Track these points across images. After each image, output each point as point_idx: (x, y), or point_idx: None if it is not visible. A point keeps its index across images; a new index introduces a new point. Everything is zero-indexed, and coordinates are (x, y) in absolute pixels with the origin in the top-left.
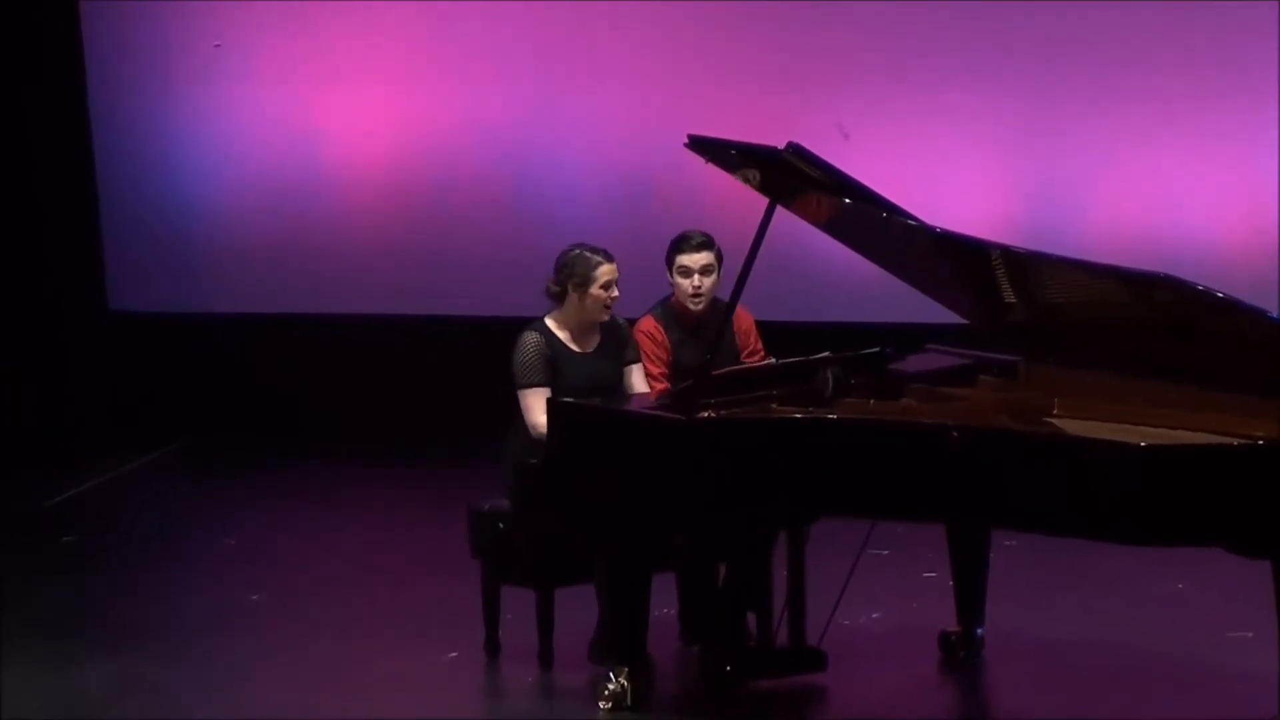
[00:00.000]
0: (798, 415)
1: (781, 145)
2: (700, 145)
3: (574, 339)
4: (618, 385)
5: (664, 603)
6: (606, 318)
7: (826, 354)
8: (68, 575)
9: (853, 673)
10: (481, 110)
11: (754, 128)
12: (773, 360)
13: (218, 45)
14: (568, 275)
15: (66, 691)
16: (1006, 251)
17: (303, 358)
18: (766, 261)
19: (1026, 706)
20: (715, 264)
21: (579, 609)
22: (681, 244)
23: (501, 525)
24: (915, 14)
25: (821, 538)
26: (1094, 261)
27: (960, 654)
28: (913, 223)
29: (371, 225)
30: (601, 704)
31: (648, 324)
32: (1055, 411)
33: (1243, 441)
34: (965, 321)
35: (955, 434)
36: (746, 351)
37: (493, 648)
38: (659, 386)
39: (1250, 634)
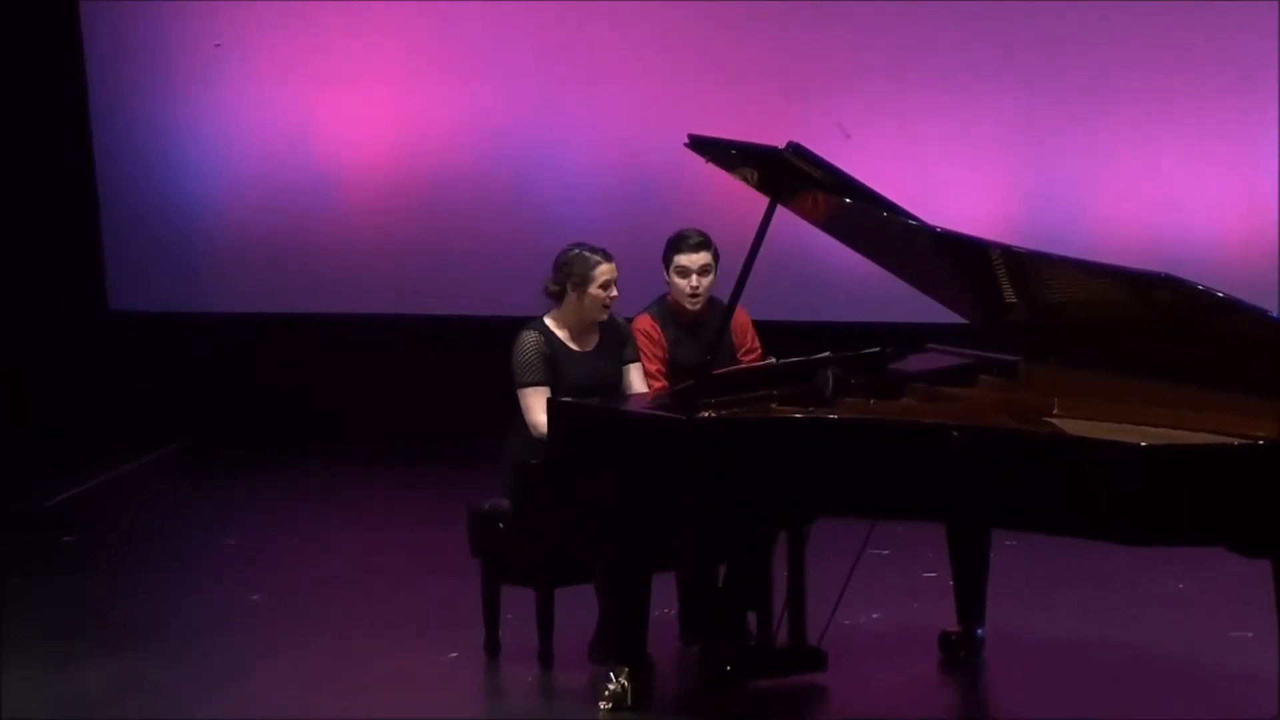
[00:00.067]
0: (798, 415)
1: (782, 145)
2: (700, 145)
3: (573, 338)
4: (617, 384)
5: (664, 603)
6: (605, 317)
7: (827, 354)
8: (68, 575)
9: (853, 673)
10: (482, 110)
11: (754, 127)
12: (773, 360)
13: (218, 45)
14: (566, 274)
15: (66, 691)
16: (1007, 251)
17: (303, 358)
18: (767, 261)
19: (1027, 706)
20: (713, 264)
21: (579, 609)
22: (679, 244)
23: (501, 525)
24: (915, 14)
25: (821, 538)
26: (1094, 261)
27: (960, 654)
28: (913, 222)
29: (372, 225)
30: (601, 704)
31: (644, 322)
32: (1055, 411)
33: (1243, 441)
34: (965, 321)
35: (955, 434)
36: (743, 350)
37: (493, 648)
38: (656, 384)
39: (1250, 634)
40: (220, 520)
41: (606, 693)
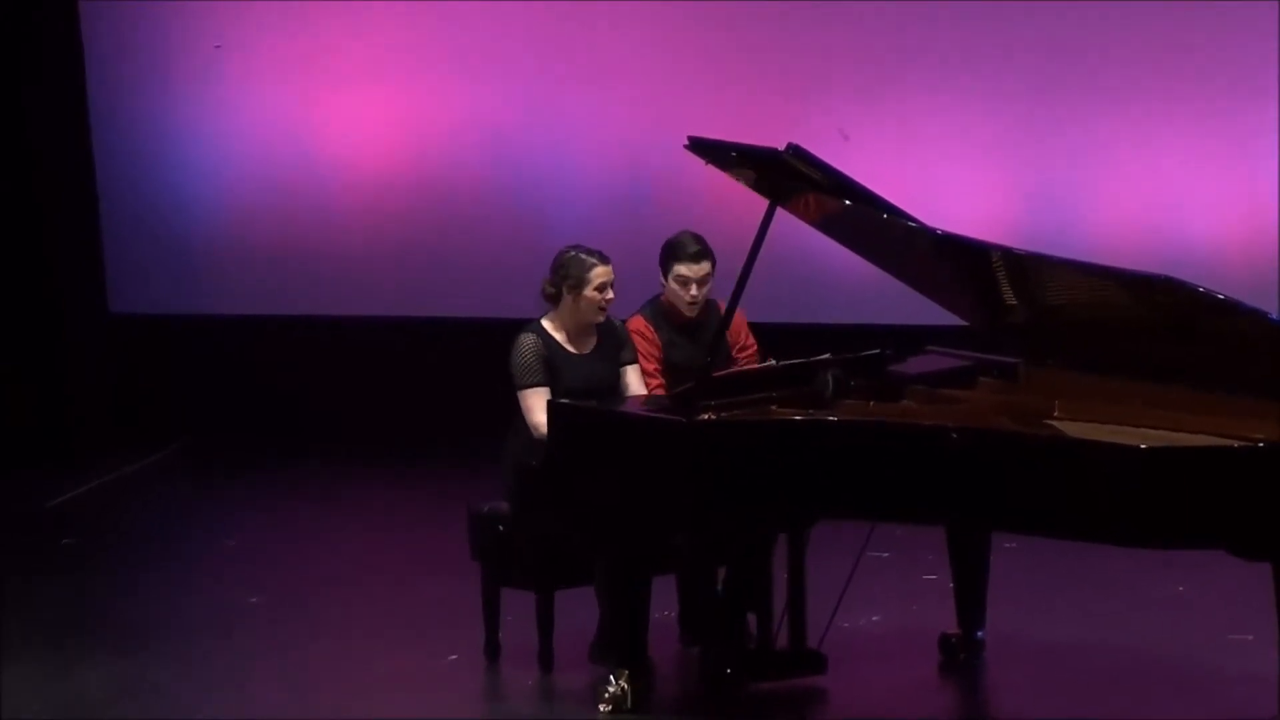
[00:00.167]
0: (798, 417)
1: (781, 147)
2: (700, 147)
3: (570, 340)
4: (615, 387)
5: (664, 605)
6: (602, 319)
7: (826, 356)
8: (68, 576)
9: (853, 675)
10: (482, 111)
11: (754, 129)
12: (772, 362)
13: (218, 46)
14: (562, 277)
15: (66, 692)
16: (1007, 253)
17: (302, 359)
18: (766, 263)
19: (1027, 709)
20: (712, 271)
21: (579, 611)
22: (679, 253)
23: (501, 527)
24: (915, 15)
25: (821, 540)
26: (1094, 263)
27: (960, 656)
28: (913, 224)
29: (371, 226)
30: (601, 706)
31: (637, 323)
32: (1056, 413)
33: (1243, 443)
34: (965, 323)
35: (955, 436)
36: (737, 348)
37: (493, 650)
38: (653, 383)
39: (1251, 637)
40: (220, 521)
41: (606, 695)
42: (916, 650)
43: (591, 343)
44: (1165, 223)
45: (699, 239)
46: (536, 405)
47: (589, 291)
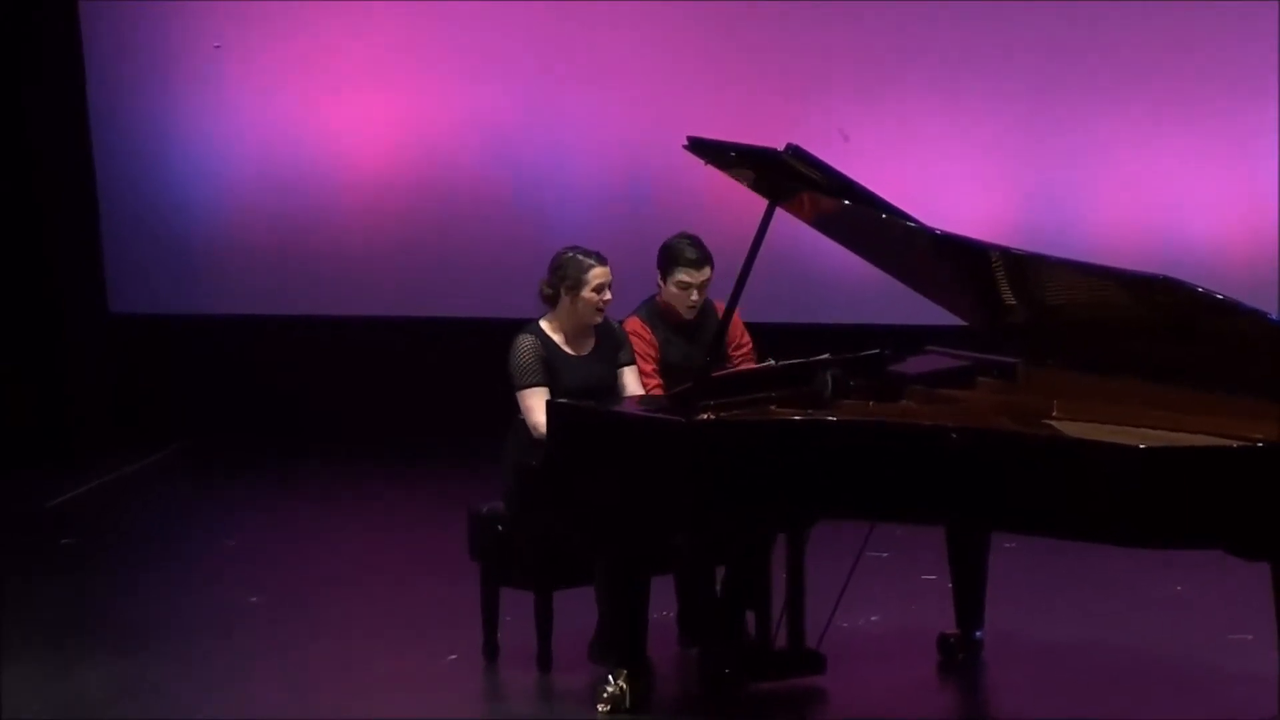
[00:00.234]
0: (797, 417)
1: (780, 147)
2: (699, 147)
3: (568, 342)
4: (613, 388)
5: (663, 605)
6: (599, 320)
7: (826, 356)
8: (68, 576)
9: (851, 675)
10: (481, 112)
11: (753, 129)
12: (771, 362)
13: (218, 46)
14: (560, 278)
15: (66, 692)
16: (1006, 253)
17: (302, 359)
18: (765, 263)
19: (1026, 709)
20: (712, 275)
21: (578, 612)
22: (679, 258)
23: (501, 528)
24: (915, 15)
25: (821, 540)
26: (1094, 263)
27: (959, 657)
28: (912, 224)
29: (371, 226)
30: (600, 706)
31: (634, 324)
32: (1055, 413)
33: (1242, 443)
34: (965, 323)
35: (954, 436)
36: (734, 346)
37: (491, 650)
38: (650, 384)
39: (1250, 636)
40: (220, 521)
41: (605, 695)
42: (915, 650)
43: (590, 344)
44: (1165, 222)
45: (697, 243)
46: (536, 406)
47: (587, 293)
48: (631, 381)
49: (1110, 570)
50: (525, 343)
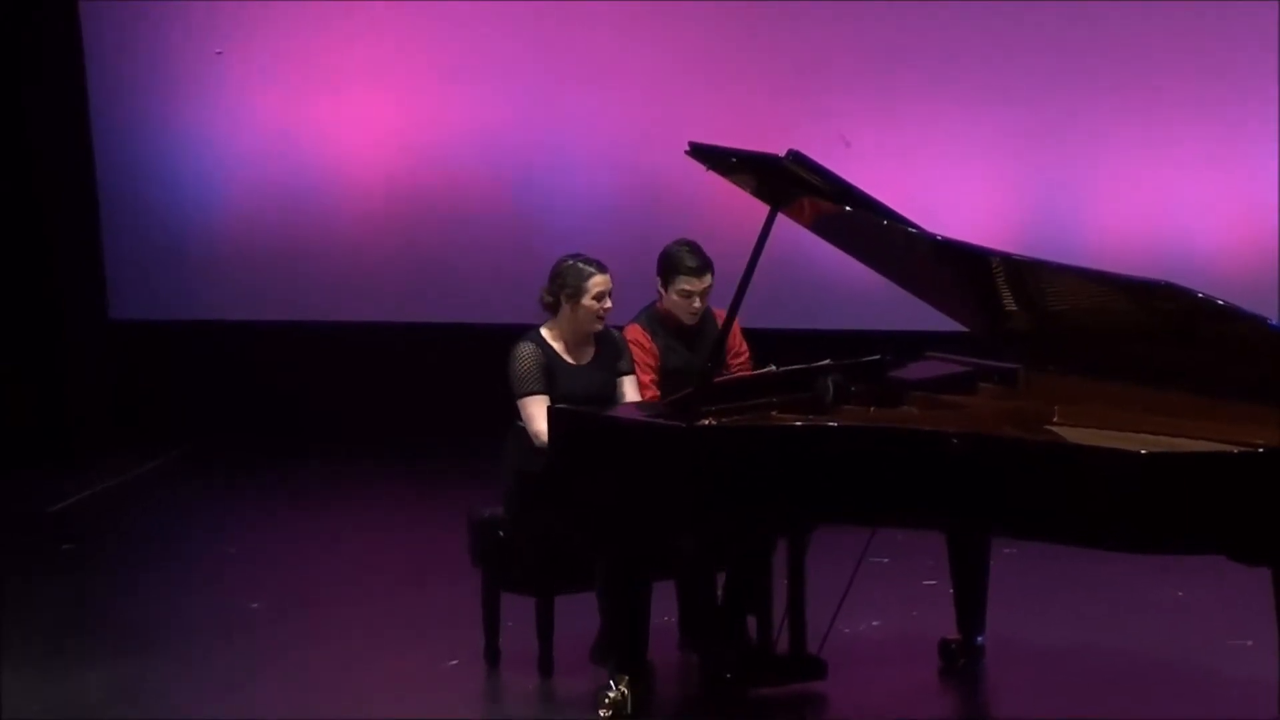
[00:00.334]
0: (798, 423)
1: (782, 152)
2: (701, 153)
3: (568, 350)
4: (612, 397)
5: (664, 610)
6: (599, 328)
7: (827, 361)
8: (68, 578)
9: (853, 680)
10: (481, 116)
11: (755, 134)
12: (772, 367)
13: (219, 53)
14: (560, 286)
15: (66, 695)
16: (1007, 259)
17: (302, 363)
18: (767, 268)
19: (1027, 713)
20: (713, 281)
21: (579, 616)
22: (681, 267)
23: (501, 532)
24: (917, 19)
25: (822, 545)
26: (1094, 269)
27: (960, 662)
28: (913, 230)
29: (371, 230)
30: (602, 712)
31: (634, 332)
32: (1056, 419)
33: (1243, 449)
34: (965, 329)
35: (955, 441)
36: (732, 354)
37: (493, 655)
38: (649, 395)
39: (1250, 642)
40: (220, 525)
41: (606, 700)
42: (916, 655)
43: (590, 353)
44: (1166, 227)
45: (696, 251)
46: (537, 414)
47: (587, 301)
48: (630, 391)
49: (1111, 575)
50: (525, 350)
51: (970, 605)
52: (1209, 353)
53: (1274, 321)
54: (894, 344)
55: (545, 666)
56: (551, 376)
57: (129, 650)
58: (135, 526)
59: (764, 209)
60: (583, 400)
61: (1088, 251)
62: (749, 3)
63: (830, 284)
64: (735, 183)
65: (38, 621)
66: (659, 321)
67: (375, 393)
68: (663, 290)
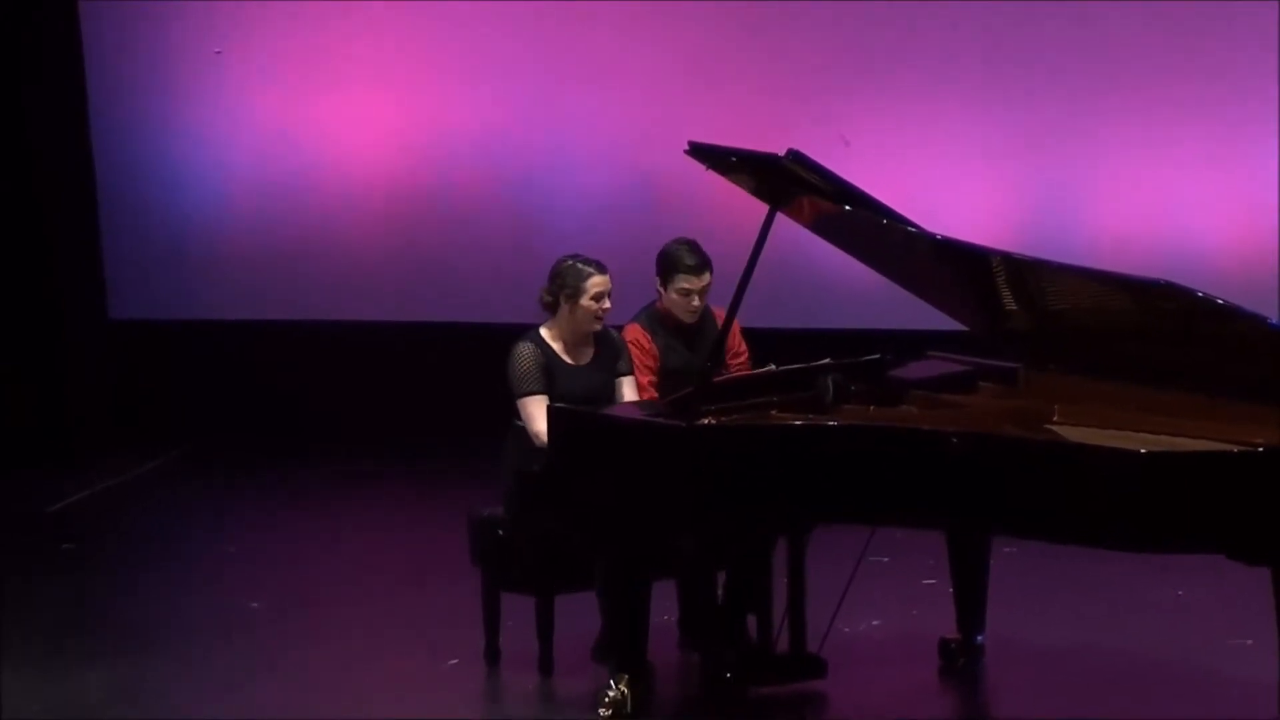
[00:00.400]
0: (798, 422)
1: (781, 152)
2: (700, 152)
3: (567, 350)
4: (611, 397)
5: (664, 609)
6: (598, 328)
7: (827, 360)
8: (68, 579)
9: (853, 679)
10: (482, 116)
11: (754, 134)
12: (772, 367)
13: (219, 52)
14: (559, 286)
15: (66, 695)
16: (1007, 258)
17: (302, 363)
18: (767, 268)
19: (1027, 713)
20: (711, 279)
21: (579, 616)
22: (680, 265)
23: (501, 532)
24: (916, 21)
25: (821, 544)
26: (1094, 268)
27: (960, 661)
28: (913, 229)
29: (371, 230)
30: (602, 711)
31: (635, 332)
32: (1056, 418)
33: (1242, 448)
34: (965, 328)
35: (955, 440)
36: (731, 354)
37: (493, 654)
38: (647, 396)
39: (1250, 641)
40: (220, 525)
41: (606, 699)
42: (916, 655)
43: (589, 353)
44: (1165, 227)
45: (695, 249)
46: (537, 414)
47: (585, 301)
48: (629, 391)
49: (1110, 575)
50: (525, 350)
51: (970, 604)
52: (1209, 352)
53: (1274, 321)
54: (894, 343)
55: (545, 666)
56: (550, 376)
57: (129, 650)
58: (135, 526)
59: (764, 208)
60: (581, 400)
61: (1088, 251)
62: (749, 3)
63: (830, 283)
64: (735, 182)
65: (38, 621)
66: (659, 321)
67: (375, 392)
68: (662, 289)
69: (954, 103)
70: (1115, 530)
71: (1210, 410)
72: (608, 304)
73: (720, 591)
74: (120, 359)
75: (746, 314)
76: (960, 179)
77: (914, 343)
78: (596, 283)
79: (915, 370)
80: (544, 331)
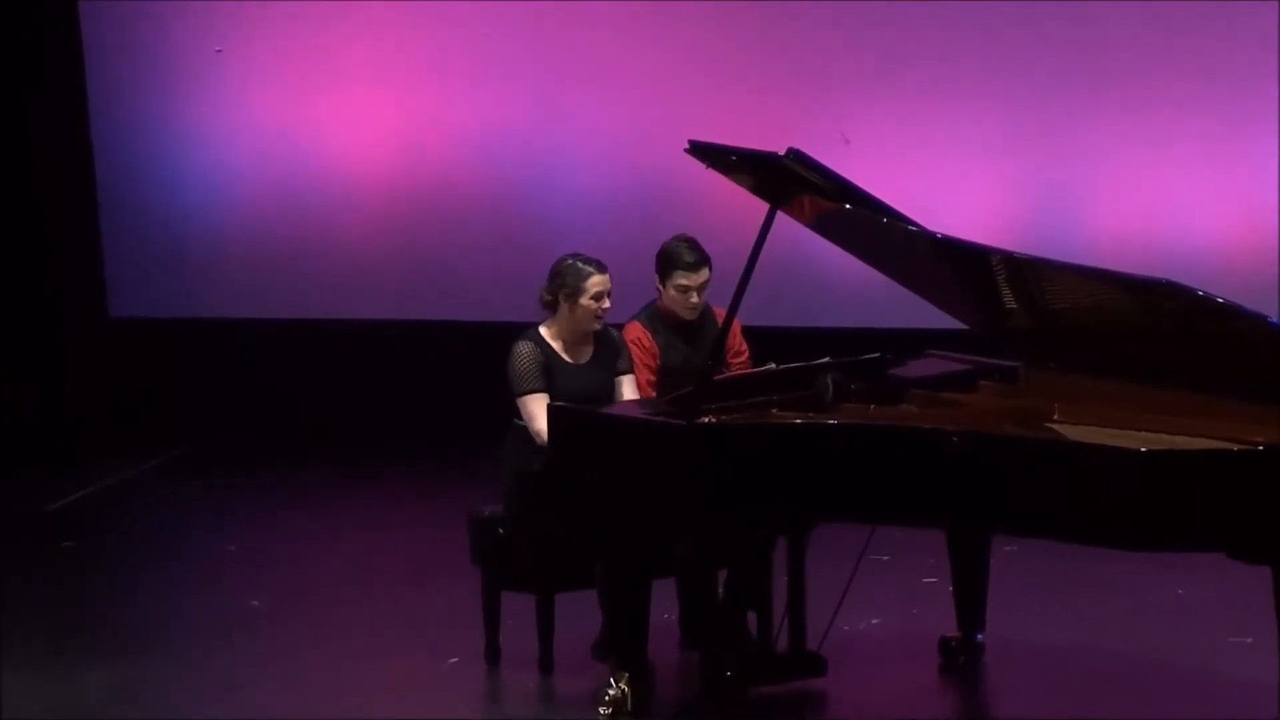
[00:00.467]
0: (798, 420)
1: (781, 150)
2: (700, 151)
3: (566, 349)
4: (610, 396)
5: (664, 608)
6: (597, 328)
7: (827, 359)
8: (68, 578)
9: (853, 678)
10: (482, 115)
11: (755, 133)
12: (772, 366)
13: (219, 51)
14: (559, 285)
15: (66, 695)
16: (1007, 257)
17: (302, 362)
18: (767, 267)
19: (1027, 712)
20: (710, 275)
21: (579, 614)
22: (679, 262)
23: (501, 531)
24: (917, 20)
25: (822, 543)
26: (1095, 267)
27: (960, 659)
28: (913, 228)
29: (372, 229)
30: (602, 709)
31: (635, 331)
32: (1056, 417)
33: (1243, 447)
34: (966, 327)
35: (955, 439)
36: (732, 353)
37: (493, 653)
38: (646, 395)
39: (1250, 639)
40: (220, 524)
41: (606, 698)
42: (916, 653)
43: (588, 352)
44: (1166, 226)
45: (694, 246)
46: (537, 412)
47: (585, 300)
48: (629, 390)
49: (1111, 573)
50: (524, 349)
51: (970, 603)
52: (1209, 351)
53: (1274, 320)
54: (894, 342)
55: (545, 665)
56: (550, 375)
57: (129, 650)
58: (135, 526)
59: (764, 207)
60: (581, 399)
61: (1088, 250)
62: (749, 3)
63: (830, 282)
64: (735, 181)
65: (38, 621)
66: (659, 319)
67: (375, 392)
68: (661, 286)
69: (954, 102)
70: (1116, 529)
71: (1210, 409)
72: (607, 303)
73: (720, 590)
74: (120, 358)
75: (747, 312)
76: (960, 178)
77: (914, 341)
78: (596, 282)
79: (915, 369)
80: (543, 330)
